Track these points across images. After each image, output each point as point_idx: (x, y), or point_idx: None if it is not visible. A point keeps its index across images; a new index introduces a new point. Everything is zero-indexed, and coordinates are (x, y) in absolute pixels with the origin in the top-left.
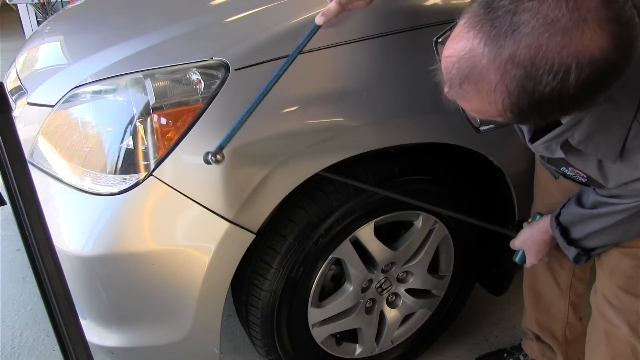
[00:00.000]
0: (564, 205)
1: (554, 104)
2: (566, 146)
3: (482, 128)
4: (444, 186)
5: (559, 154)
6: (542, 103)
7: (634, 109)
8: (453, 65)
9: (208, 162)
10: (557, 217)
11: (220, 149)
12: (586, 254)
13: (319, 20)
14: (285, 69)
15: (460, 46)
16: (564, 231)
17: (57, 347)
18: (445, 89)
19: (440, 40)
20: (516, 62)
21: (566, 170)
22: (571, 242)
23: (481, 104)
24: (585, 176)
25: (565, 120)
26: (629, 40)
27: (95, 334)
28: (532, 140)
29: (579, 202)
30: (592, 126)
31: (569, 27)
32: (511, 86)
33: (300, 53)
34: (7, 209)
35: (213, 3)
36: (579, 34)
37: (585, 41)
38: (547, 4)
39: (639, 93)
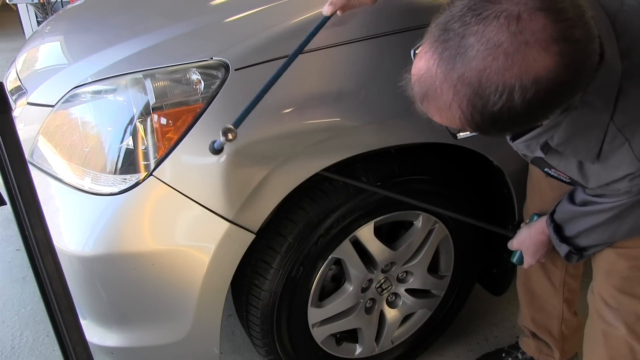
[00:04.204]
0: (559, 203)
1: (506, 121)
2: (546, 147)
3: (460, 135)
4: (443, 186)
5: (539, 153)
6: (494, 120)
7: (610, 113)
8: (415, 84)
9: (215, 151)
10: (552, 214)
11: (235, 126)
12: (578, 253)
13: (326, 10)
14: (299, 53)
15: (419, 66)
16: (558, 228)
17: (57, 347)
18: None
19: (417, 51)
20: (465, 83)
21: (550, 171)
22: (564, 239)
23: (441, 119)
24: (568, 177)
25: (545, 121)
26: (579, 56)
27: (95, 334)
28: (513, 139)
29: (571, 199)
30: (571, 129)
31: (511, 50)
32: (463, 105)
33: (301, 53)
34: (7, 209)
35: (213, 3)
36: (521, 56)
37: (528, 63)
38: (491, 28)
39: (614, 97)
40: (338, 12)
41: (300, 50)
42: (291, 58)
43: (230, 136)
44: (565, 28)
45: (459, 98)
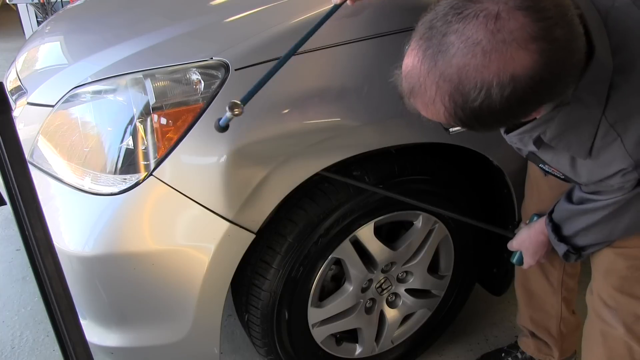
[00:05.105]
0: (557, 202)
1: (487, 117)
2: (539, 142)
3: (451, 130)
4: (443, 186)
5: (532, 147)
6: (475, 115)
7: (602, 108)
8: (403, 79)
9: (220, 129)
10: (551, 213)
11: (244, 101)
12: (577, 252)
13: None
14: (309, 37)
15: (406, 62)
16: (556, 228)
17: (57, 347)
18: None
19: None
20: (446, 80)
21: (544, 167)
22: (562, 238)
23: (428, 113)
24: (562, 173)
25: (538, 115)
26: (560, 55)
27: (95, 334)
28: (507, 132)
29: (569, 198)
30: (563, 124)
31: (489, 48)
32: (445, 100)
33: (299, 53)
34: (7, 209)
35: (213, 3)
36: (498, 54)
37: (506, 60)
38: (471, 26)
39: (606, 93)
40: (348, 2)
41: (310, 35)
42: (301, 41)
43: (236, 111)
44: (545, 27)
45: (441, 94)
